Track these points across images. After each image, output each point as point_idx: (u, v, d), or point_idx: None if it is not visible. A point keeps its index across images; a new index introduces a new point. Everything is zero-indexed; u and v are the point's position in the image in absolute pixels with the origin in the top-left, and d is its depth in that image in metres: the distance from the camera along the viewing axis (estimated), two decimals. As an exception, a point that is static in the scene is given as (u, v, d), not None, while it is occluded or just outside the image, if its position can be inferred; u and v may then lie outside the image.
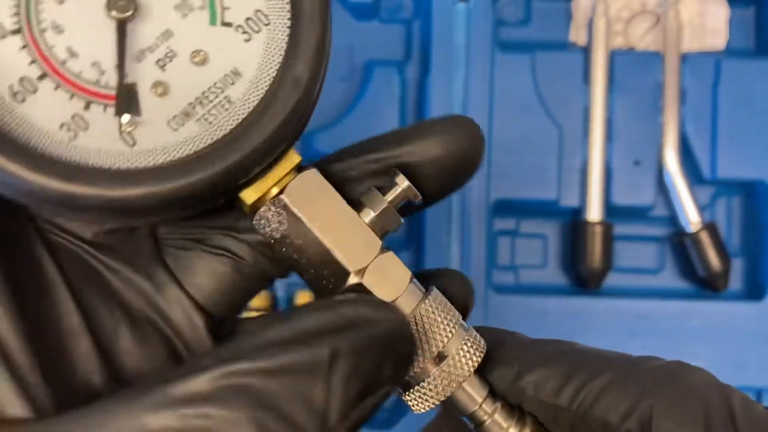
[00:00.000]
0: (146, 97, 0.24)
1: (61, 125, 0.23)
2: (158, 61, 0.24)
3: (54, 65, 0.24)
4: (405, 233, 0.55)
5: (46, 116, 0.23)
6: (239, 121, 0.24)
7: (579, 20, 0.55)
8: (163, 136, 0.24)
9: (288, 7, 0.25)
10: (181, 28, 0.24)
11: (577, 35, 0.55)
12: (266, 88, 0.24)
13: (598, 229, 0.53)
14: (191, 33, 0.24)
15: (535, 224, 0.56)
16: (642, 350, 0.56)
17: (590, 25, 0.54)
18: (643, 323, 0.53)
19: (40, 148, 0.23)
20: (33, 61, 0.23)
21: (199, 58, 0.24)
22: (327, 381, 0.21)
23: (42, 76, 0.24)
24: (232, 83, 0.25)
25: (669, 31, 0.54)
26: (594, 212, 0.53)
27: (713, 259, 0.53)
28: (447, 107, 0.52)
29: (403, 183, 0.27)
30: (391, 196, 0.27)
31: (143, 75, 0.24)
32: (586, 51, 0.54)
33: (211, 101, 0.24)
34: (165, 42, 0.24)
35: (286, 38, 0.25)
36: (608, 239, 0.53)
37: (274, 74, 0.25)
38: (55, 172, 0.22)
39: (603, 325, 0.53)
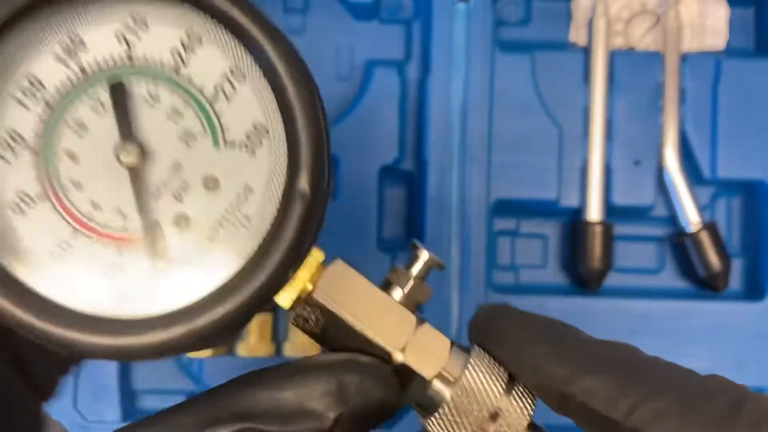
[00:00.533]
0: (171, 232, 0.25)
1: (102, 275, 0.24)
2: (174, 194, 0.25)
3: (82, 221, 0.25)
4: (405, 233, 0.55)
5: (88, 270, 0.24)
6: (260, 240, 0.25)
7: (579, 20, 0.55)
8: (193, 265, 0.25)
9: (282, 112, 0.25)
10: (188, 158, 0.25)
11: (577, 35, 0.55)
12: (278, 201, 0.25)
13: (598, 229, 0.53)
14: (198, 160, 0.25)
15: (535, 224, 0.56)
16: (642, 350, 0.55)
17: (590, 25, 0.54)
18: (643, 323, 0.53)
19: (87, 308, 0.24)
20: (63, 221, 0.25)
21: (212, 183, 0.25)
22: None
23: (74, 233, 0.25)
24: (246, 199, 0.25)
25: (669, 31, 0.54)
26: (594, 212, 0.53)
27: (713, 259, 0.53)
28: (447, 107, 0.52)
29: (423, 254, 0.28)
30: (415, 269, 0.28)
31: (164, 211, 0.25)
32: (586, 51, 0.54)
33: (231, 222, 0.25)
34: (177, 174, 0.25)
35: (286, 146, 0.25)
36: (608, 239, 0.53)
37: (283, 184, 0.25)
38: (105, 330, 0.23)
39: (603, 325, 0.53)
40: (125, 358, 0.24)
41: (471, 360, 0.27)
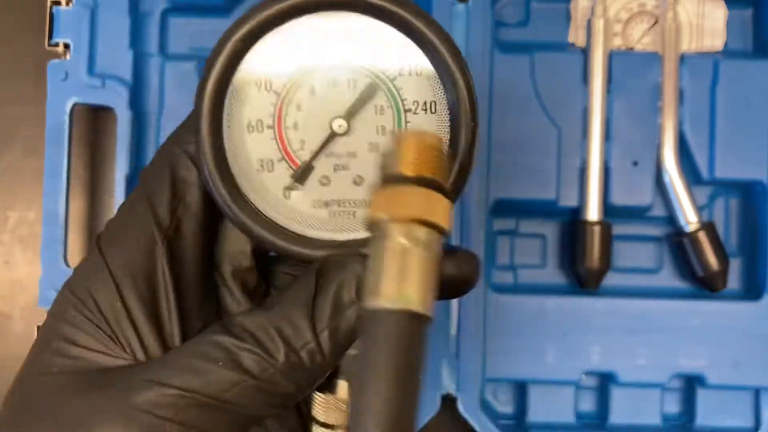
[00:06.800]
0: (313, 178, 0.34)
1: (282, 190, 0.34)
2: (336, 165, 0.34)
3: (289, 152, 0.34)
4: (404, 233, 0.55)
5: (276, 186, 0.34)
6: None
7: (578, 21, 0.56)
8: (303, 208, 0.34)
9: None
10: (363, 157, 0.34)
11: (575, 36, 0.56)
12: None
13: (597, 229, 0.53)
14: (367, 164, 0.34)
15: (534, 224, 0.56)
16: (641, 349, 0.56)
17: (589, 26, 0.54)
18: (641, 323, 0.53)
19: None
20: (276, 148, 0.34)
21: (358, 181, 0.34)
22: None
23: (280, 159, 0.34)
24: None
25: (667, 32, 0.54)
26: (593, 212, 0.53)
27: (711, 258, 0.53)
28: (446, 108, 0.52)
29: None
30: None
31: (321, 166, 0.34)
32: (585, 52, 0.54)
33: (343, 209, 0.34)
34: (348, 159, 0.34)
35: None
36: (607, 239, 0.54)
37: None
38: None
39: (602, 324, 0.53)
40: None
41: None
